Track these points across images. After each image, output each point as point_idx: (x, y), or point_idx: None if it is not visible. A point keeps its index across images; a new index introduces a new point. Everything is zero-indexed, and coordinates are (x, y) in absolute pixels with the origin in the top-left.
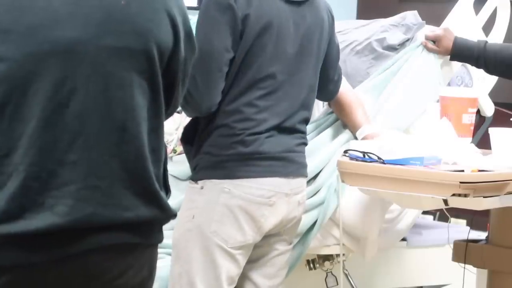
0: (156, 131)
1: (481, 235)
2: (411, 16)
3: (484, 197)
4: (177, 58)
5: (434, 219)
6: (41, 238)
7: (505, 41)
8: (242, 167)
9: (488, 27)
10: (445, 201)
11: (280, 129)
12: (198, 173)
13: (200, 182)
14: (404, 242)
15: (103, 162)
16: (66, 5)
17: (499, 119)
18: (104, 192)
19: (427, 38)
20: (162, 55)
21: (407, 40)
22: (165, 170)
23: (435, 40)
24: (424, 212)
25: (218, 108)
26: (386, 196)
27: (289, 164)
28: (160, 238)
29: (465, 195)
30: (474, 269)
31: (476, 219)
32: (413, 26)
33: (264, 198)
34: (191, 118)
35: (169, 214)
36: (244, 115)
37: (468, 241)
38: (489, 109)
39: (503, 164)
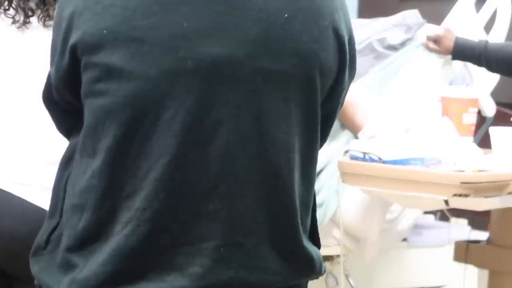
0: (309, 178)
1: (482, 235)
2: (411, 15)
3: (485, 197)
4: (340, 88)
5: (435, 219)
6: None
7: (506, 41)
8: None
9: (489, 27)
10: (446, 202)
11: None
12: None
13: None
14: (405, 243)
15: (249, 214)
16: (216, 15)
17: (500, 119)
18: (248, 251)
19: (428, 38)
20: (325, 83)
21: (408, 39)
22: (314, 218)
23: (436, 40)
24: (425, 212)
25: None
26: (386, 196)
27: None
28: None
29: (466, 196)
30: (475, 270)
31: (477, 219)
32: (414, 26)
33: None
34: None
35: (318, 273)
36: None
37: (469, 241)
38: (490, 109)
39: (504, 164)
